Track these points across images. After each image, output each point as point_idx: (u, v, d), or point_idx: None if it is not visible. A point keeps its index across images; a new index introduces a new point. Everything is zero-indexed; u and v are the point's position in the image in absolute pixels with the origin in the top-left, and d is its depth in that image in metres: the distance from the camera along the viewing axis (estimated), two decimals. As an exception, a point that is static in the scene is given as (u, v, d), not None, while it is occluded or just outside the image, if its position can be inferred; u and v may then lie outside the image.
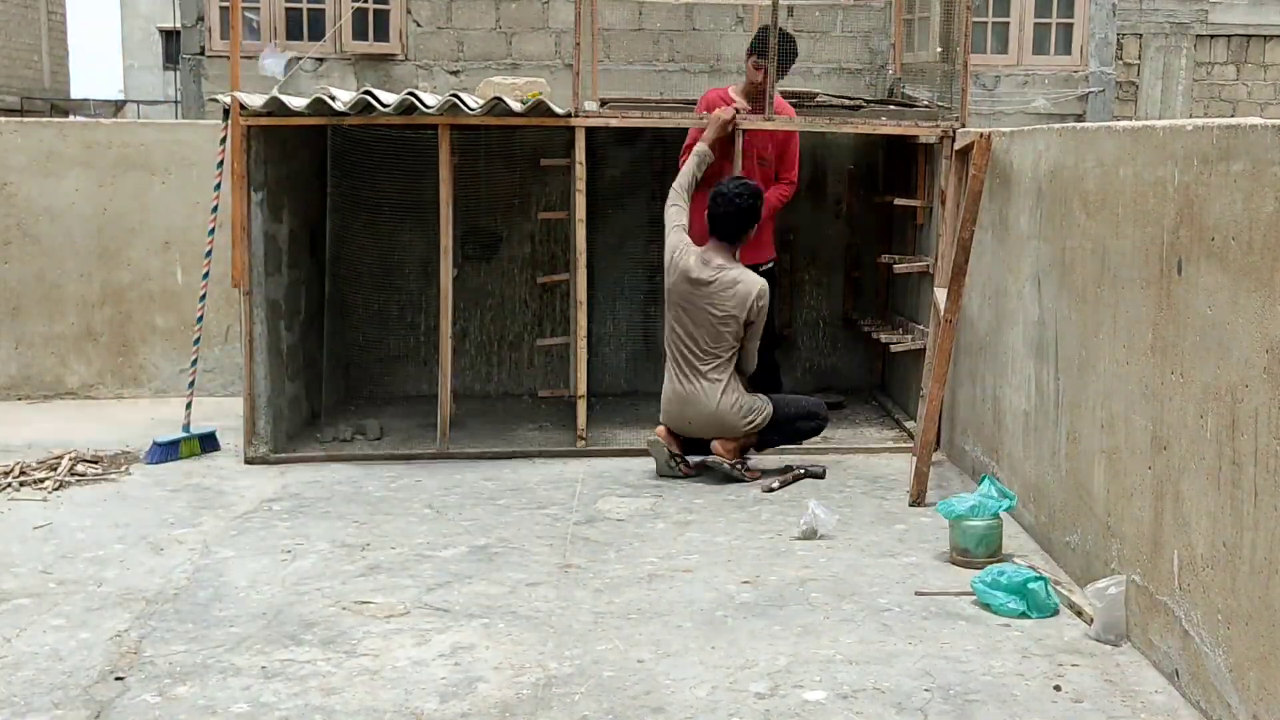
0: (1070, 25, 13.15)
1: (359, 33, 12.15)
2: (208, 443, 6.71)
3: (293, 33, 12.17)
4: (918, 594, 4.53)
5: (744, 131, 6.58)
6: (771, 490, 5.87)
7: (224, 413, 7.01)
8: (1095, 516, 4.40)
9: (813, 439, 6.38)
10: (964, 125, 6.53)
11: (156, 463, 6.37)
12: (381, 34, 12.21)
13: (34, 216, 7.92)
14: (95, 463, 6.29)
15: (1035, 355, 5.13)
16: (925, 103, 7.88)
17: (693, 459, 6.12)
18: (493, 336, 8.19)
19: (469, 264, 8.04)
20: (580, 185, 6.58)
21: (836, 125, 6.81)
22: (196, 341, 6.84)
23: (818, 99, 7.42)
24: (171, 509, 5.60)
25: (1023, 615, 4.27)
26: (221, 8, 11.88)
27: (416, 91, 6.49)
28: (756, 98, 6.58)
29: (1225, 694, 3.41)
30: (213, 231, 6.85)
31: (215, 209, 6.84)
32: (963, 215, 5.59)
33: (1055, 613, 4.30)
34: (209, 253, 6.86)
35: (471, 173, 7.79)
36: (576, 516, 5.52)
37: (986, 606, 4.35)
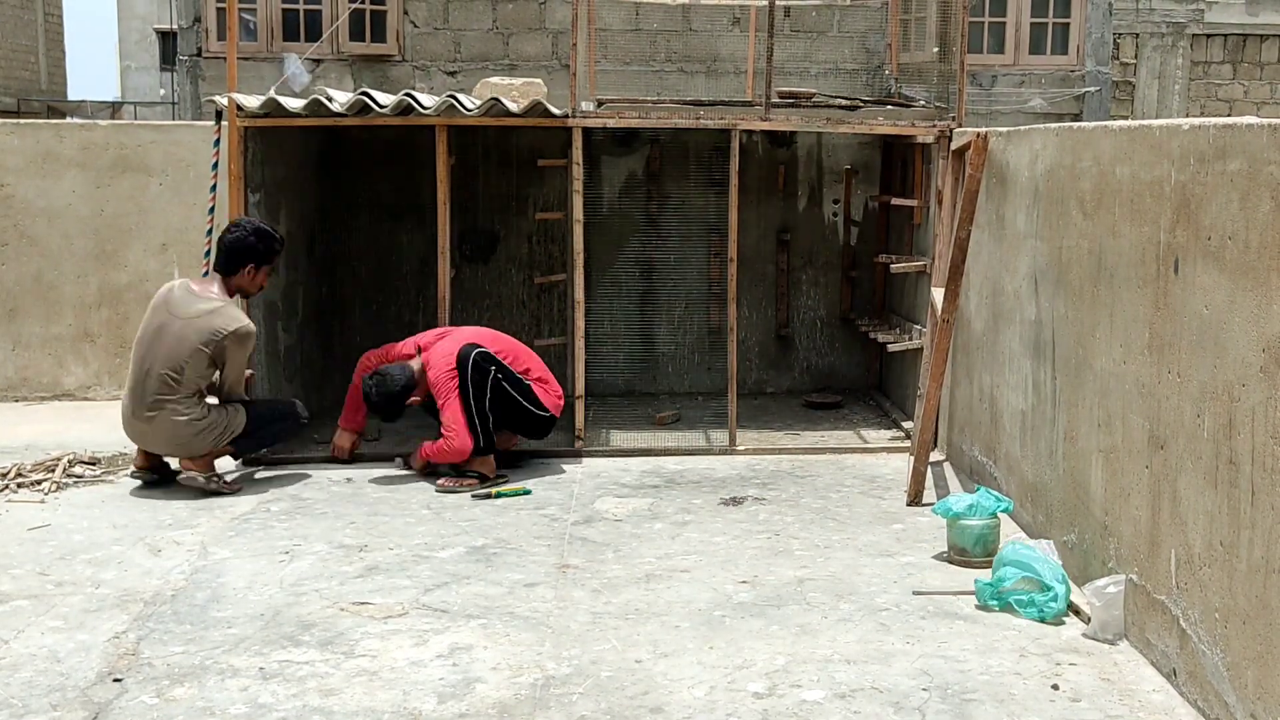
0: (1067, 25, 13.16)
1: (356, 34, 12.15)
2: None
3: (290, 34, 12.18)
4: (915, 593, 4.54)
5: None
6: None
7: (221, 414, 7.01)
8: (1093, 516, 4.41)
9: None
10: (961, 125, 6.54)
11: None
12: (379, 35, 12.21)
13: (31, 218, 7.91)
14: (93, 464, 6.29)
15: (1032, 354, 5.13)
16: (922, 103, 7.88)
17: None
18: (490, 337, 8.19)
19: (466, 264, 8.04)
20: (578, 186, 6.59)
21: (833, 125, 6.82)
22: None
23: (815, 99, 7.43)
24: (169, 510, 5.60)
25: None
26: (218, 9, 11.88)
27: (414, 92, 6.49)
28: None
29: (1223, 692, 3.41)
30: (210, 232, 6.85)
31: (211, 210, 6.84)
32: (959, 215, 5.59)
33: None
34: (208, 253, 6.86)
35: (469, 173, 7.80)
36: (574, 517, 5.52)
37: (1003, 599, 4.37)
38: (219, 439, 5.86)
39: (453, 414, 5.93)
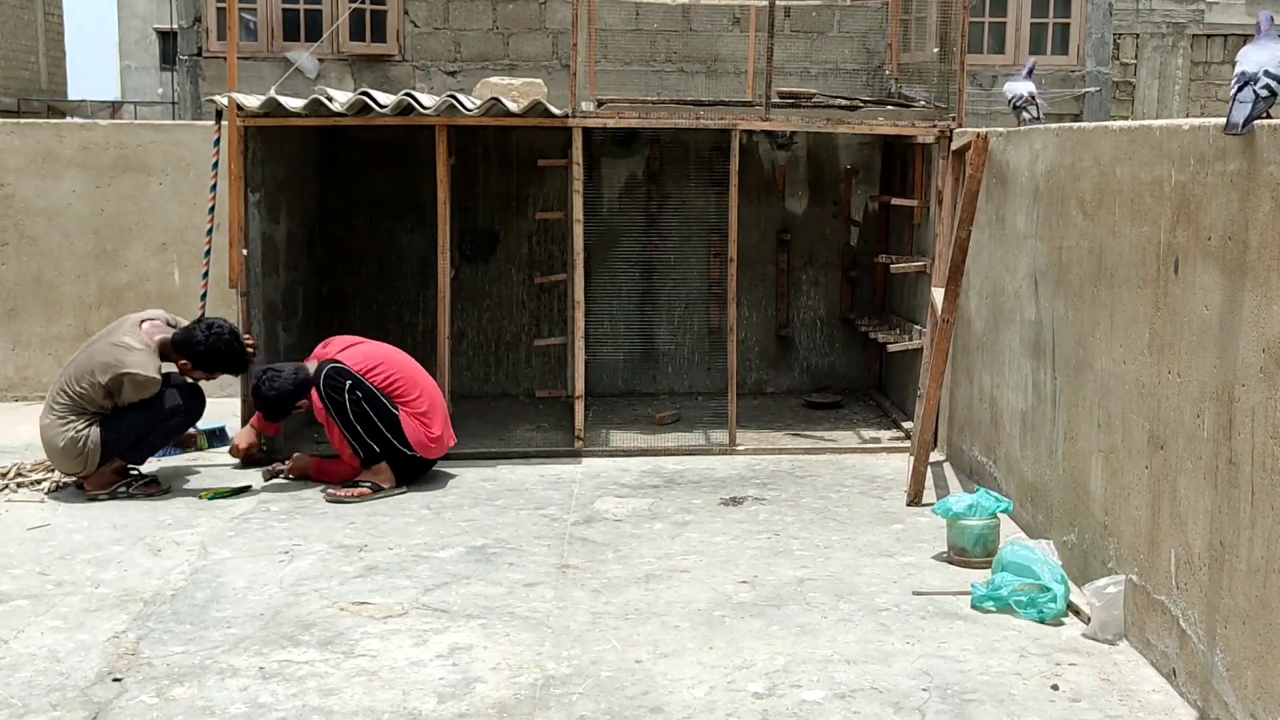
0: (1067, 25, 13.15)
1: (356, 33, 12.14)
2: (216, 439, 6.73)
3: (290, 34, 12.18)
4: (915, 593, 4.54)
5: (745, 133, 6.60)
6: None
7: (221, 414, 6.99)
8: (1093, 516, 4.41)
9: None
10: (961, 125, 6.54)
11: (160, 458, 6.40)
12: (379, 35, 12.20)
13: (31, 217, 7.91)
14: (92, 464, 6.28)
15: (1032, 355, 5.13)
16: (922, 103, 7.88)
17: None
18: (490, 337, 8.20)
19: (466, 264, 8.04)
20: (578, 186, 6.59)
21: (834, 125, 6.82)
22: None
23: (815, 99, 7.44)
24: (169, 510, 5.60)
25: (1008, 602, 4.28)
26: (218, 9, 11.86)
27: (414, 92, 6.49)
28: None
29: (1222, 693, 3.41)
30: (210, 232, 6.85)
31: (211, 210, 6.84)
32: (960, 215, 5.59)
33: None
34: (208, 253, 6.86)
35: (469, 173, 7.80)
36: (574, 517, 5.52)
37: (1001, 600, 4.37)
38: (86, 462, 5.69)
39: (336, 435, 5.86)
